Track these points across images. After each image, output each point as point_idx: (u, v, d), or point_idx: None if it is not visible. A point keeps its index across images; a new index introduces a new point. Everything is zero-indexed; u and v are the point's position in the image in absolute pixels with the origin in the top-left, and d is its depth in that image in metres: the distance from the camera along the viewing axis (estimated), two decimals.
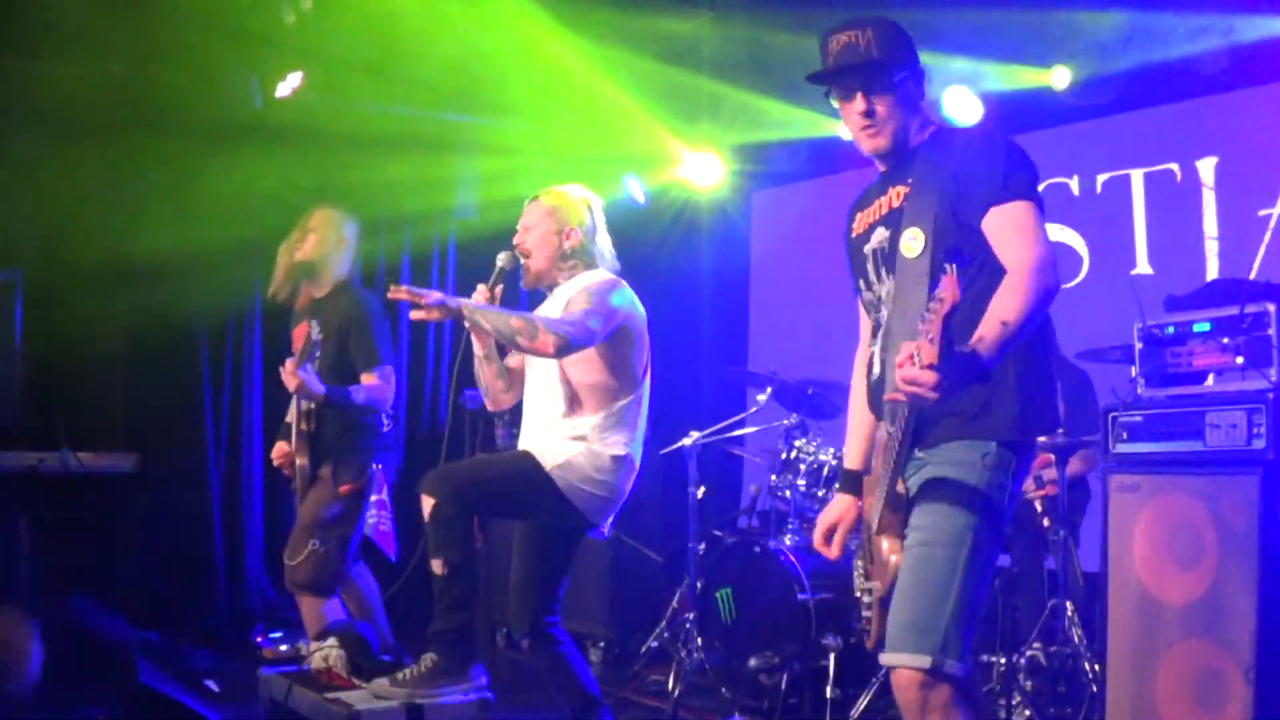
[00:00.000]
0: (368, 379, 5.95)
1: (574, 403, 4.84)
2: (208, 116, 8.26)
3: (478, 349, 5.03)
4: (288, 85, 8.32)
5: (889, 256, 3.61)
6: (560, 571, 4.99)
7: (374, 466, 6.06)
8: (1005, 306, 3.23)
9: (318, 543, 5.87)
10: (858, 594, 3.87)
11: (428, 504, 4.65)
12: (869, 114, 3.61)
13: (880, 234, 3.67)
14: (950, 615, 3.33)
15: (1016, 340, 3.24)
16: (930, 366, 2.99)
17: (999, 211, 3.42)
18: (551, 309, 4.93)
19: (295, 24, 7.91)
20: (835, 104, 3.72)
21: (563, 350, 4.62)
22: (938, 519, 3.42)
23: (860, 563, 3.85)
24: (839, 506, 3.95)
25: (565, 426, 4.82)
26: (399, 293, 4.53)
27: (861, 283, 3.79)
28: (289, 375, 5.76)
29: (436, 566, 4.66)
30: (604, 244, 5.13)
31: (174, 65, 7.87)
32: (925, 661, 3.29)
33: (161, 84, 7.89)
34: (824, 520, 3.95)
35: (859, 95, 3.60)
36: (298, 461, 6.00)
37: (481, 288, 4.91)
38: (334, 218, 6.18)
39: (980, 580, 3.42)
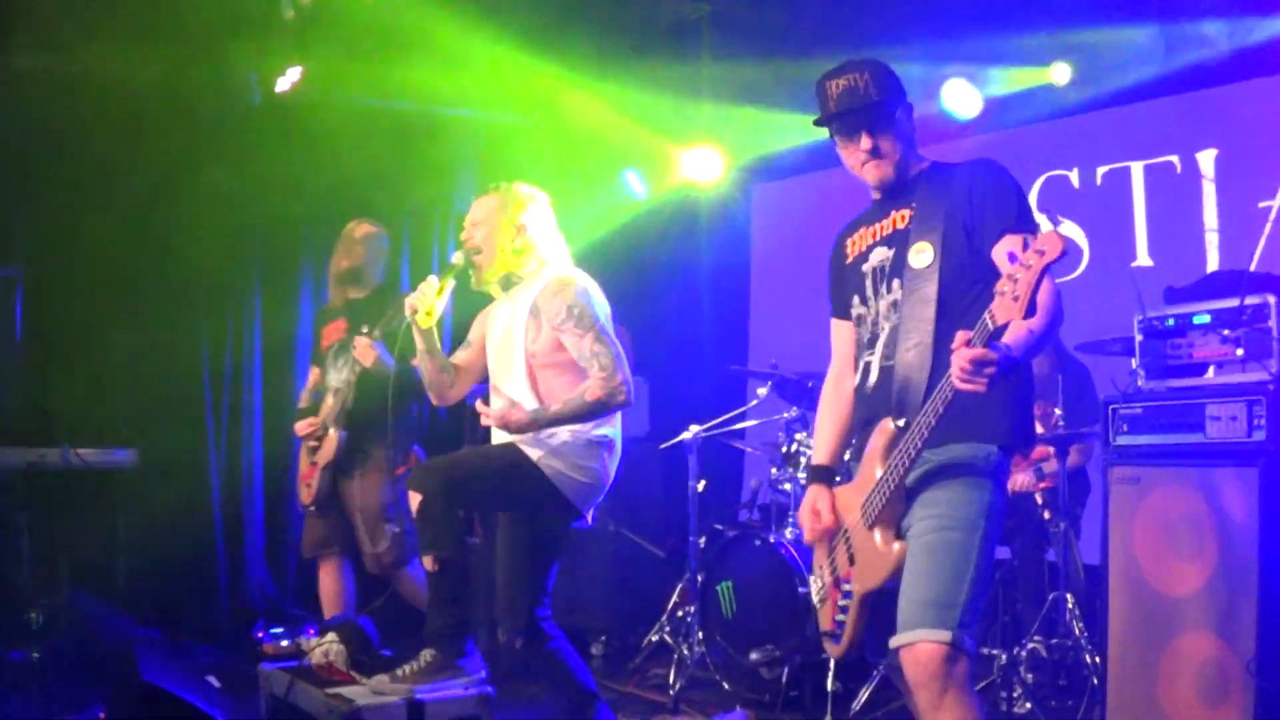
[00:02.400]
0: None
1: (544, 397, 4.81)
2: (207, 112, 8.28)
3: (419, 343, 5.03)
4: (287, 80, 8.32)
5: (893, 270, 3.80)
6: (548, 565, 4.98)
7: (414, 447, 6.38)
8: (1031, 319, 3.30)
9: (394, 525, 6.20)
10: (817, 601, 3.93)
11: (415, 500, 4.67)
12: (875, 151, 3.83)
13: (881, 253, 3.88)
14: (967, 595, 3.47)
15: (1033, 353, 3.50)
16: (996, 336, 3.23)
17: (1014, 240, 3.53)
18: (518, 311, 4.93)
19: (294, 19, 7.90)
20: (838, 141, 3.92)
21: (629, 398, 4.75)
22: (951, 506, 3.57)
23: (826, 568, 3.89)
24: (817, 492, 3.98)
25: None
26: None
27: (856, 299, 3.96)
28: (364, 349, 6.09)
29: (428, 563, 4.68)
30: (556, 238, 5.13)
31: (173, 61, 7.85)
32: (948, 636, 3.41)
33: (160, 80, 7.87)
34: (808, 506, 3.99)
35: (864, 135, 3.82)
36: (331, 432, 6.23)
37: (432, 278, 4.94)
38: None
39: (988, 570, 3.58)
